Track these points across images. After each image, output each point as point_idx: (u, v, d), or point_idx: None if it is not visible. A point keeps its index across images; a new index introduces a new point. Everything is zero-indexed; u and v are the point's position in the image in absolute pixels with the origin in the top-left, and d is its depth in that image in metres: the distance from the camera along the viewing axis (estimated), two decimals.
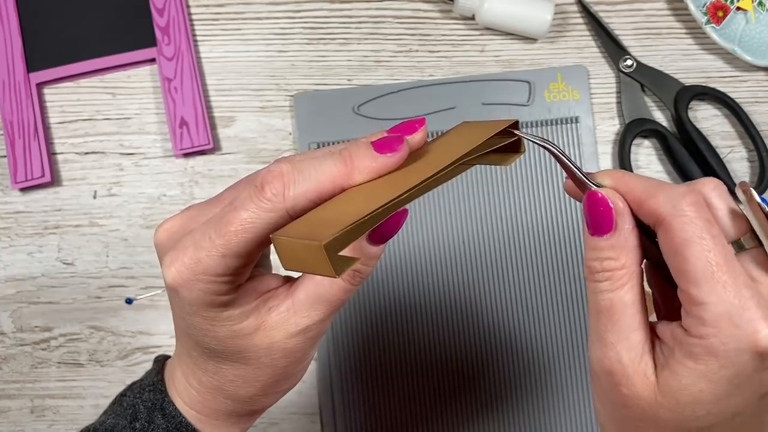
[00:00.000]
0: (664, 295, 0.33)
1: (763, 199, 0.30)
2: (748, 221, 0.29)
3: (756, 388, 0.28)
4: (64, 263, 0.56)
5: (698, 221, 0.28)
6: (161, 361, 0.37)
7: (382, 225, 0.28)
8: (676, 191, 0.28)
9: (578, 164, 0.31)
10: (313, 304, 0.31)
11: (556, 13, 0.56)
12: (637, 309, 0.29)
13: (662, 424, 0.29)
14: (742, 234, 0.30)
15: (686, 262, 0.27)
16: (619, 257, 0.29)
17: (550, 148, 0.31)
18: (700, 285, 0.27)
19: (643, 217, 0.29)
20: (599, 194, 0.30)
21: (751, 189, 0.29)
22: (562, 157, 0.31)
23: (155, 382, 0.35)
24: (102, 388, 0.55)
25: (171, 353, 0.55)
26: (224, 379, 0.33)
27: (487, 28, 0.57)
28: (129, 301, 0.55)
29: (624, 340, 0.29)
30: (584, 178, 0.31)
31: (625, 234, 0.30)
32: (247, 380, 0.32)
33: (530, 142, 0.31)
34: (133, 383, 0.36)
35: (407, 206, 0.28)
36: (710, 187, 0.30)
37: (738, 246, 0.30)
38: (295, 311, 0.31)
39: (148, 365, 0.54)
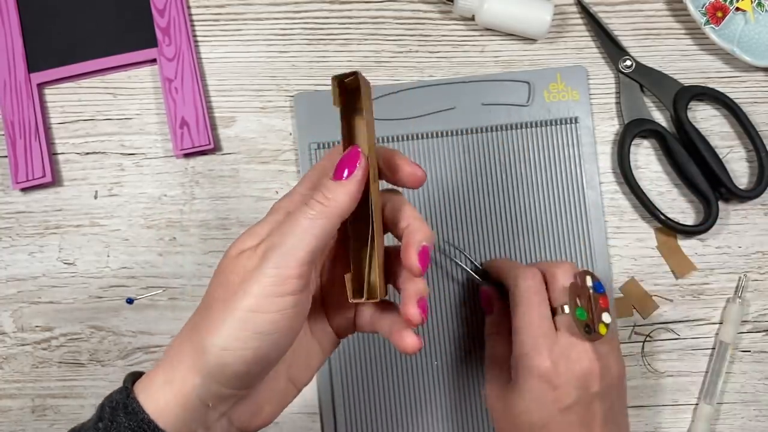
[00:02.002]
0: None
1: (597, 285, 0.45)
2: (571, 293, 0.44)
3: (553, 404, 0.43)
4: (64, 263, 0.56)
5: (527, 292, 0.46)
6: (134, 373, 0.37)
7: (339, 163, 0.35)
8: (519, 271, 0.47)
9: (472, 263, 0.54)
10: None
11: (555, 14, 0.56)
12: (504, 357, 0.47)
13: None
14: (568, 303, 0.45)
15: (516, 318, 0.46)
16: (498, 326, 0.50)
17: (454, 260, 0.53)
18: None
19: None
20: (484, 289, 0.52)
21: (587, 276, 0.45)
22: (464, 265, 0.54)
23: (125, 383, 0.36)
24: (103, 387, 0.55)
25: None
26: (202, 310, 0.35)
27: (487, 29, 0.57)
28: (130, 301, 0.55)
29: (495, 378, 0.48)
30: (473, 275, 0.53)
31: (497, 313, 0.51)
32: (215, 321, 0.33)
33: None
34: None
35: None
36: (562, 270, 0.46)
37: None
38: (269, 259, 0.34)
39: (149, 365, 0.55)
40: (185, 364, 0.34)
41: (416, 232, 0.36)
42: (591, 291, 0.45)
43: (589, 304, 0.44)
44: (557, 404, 0.43)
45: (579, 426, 0.43)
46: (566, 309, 0.44)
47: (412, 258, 0.35)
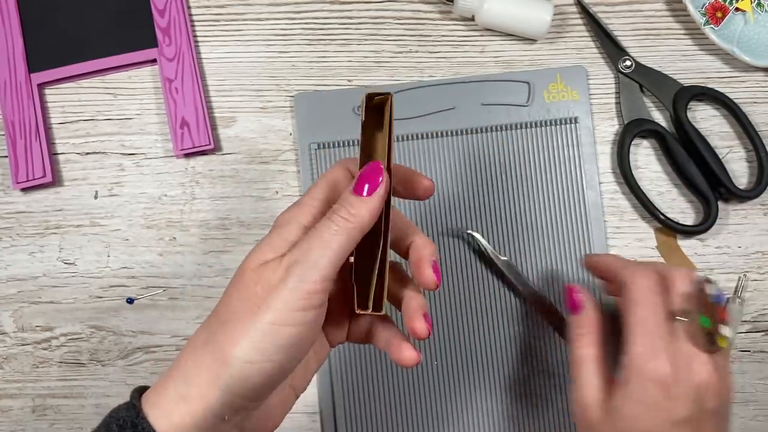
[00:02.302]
0: None
1: (718, 295, 0.42)
2: (689, 301, 0.42)
3: (665, 414, 0.40)
4: (65, 263, 0.56)
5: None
6: (140, 388, 0.37)
7: (359, 178, 0.35)
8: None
9: None
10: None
11: (555, 14, 0.56)
12: (601, 358, 0.43)
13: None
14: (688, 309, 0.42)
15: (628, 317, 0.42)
16: (590, 326, 0.45)
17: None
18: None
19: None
20: (574, 287, 0.46)
21: (707, 284, 0.42)
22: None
23: (133, 400, 0.35)
24: (103, 387, 0.55)
25: (171, 352, 0.56)
26: (218, 323, 0.35)
27: (487, 29, 0.57)
28: (130, 300, 0.55)
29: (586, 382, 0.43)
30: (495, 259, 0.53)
31: (591, 310, 0.45)
32: (235, 334, 0.33)
33: None
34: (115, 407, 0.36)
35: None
36: (680, 275, 0.43)
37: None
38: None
39: (149, 365, 0.55)
40: (204, 377, 0.34)
41: (424, 247, 0.37)
42: (711, 301, 0.41)
43: (710, 314, 0.41)
44: (670, 415, 0.40)
45: None
46: (686, 316, 0.41)
47: (427, 272, 0.36)
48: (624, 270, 0.44)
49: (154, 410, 0.34)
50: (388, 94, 0.36)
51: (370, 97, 0.36)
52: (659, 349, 0.40)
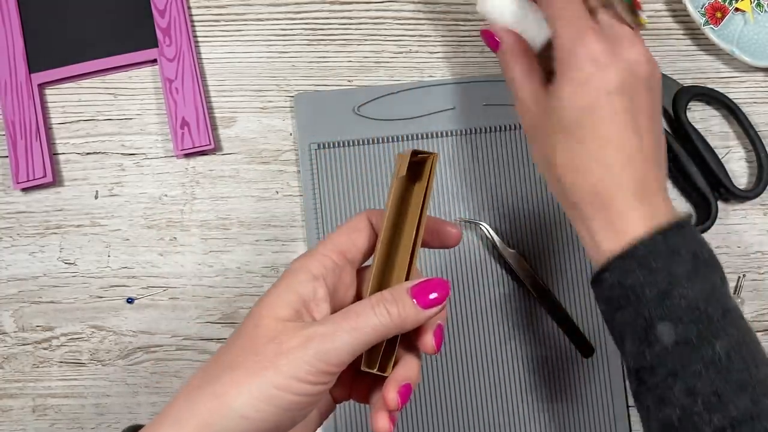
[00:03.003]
0: None
1: None
2: None
3: (599, 84, 0.40)
4: (65, 263, 0.56)
5: None
6: (133, 427, 0.36)
7: (423, 284, 0.34)
8: None
9: None
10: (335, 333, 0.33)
11: None
12: (525, 72, 0.44)
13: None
14: None
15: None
16: (514, 47, 0.45)
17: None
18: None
19: None
20: (484, 30, 0.47)
21: None
22: None
23: None
24: (103, 387, 0.55)
25: (171, 352, 0.56)
26: (218, 369, 0.34)
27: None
28: (130, 300, 0.55)
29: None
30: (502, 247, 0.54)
31: (509, 39, 0.46)
32: (236, 386, 0.32)
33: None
34: None
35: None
36: None
37: None
38: (315, 339, 0.32)
39: (149, 365, 0.55)
40: (196, 423, 0.32)
41: None
42: None
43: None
44: (604, 84, 0.40)
45: (624, 113, 0.40)
46: (607, 7, 0.42)
47: (427, 338, 0.35)
48: None
49: None
50: (434, 153, 0.36)
51: (414, 153, 0.36)
52: (585, 29, 0.41)
